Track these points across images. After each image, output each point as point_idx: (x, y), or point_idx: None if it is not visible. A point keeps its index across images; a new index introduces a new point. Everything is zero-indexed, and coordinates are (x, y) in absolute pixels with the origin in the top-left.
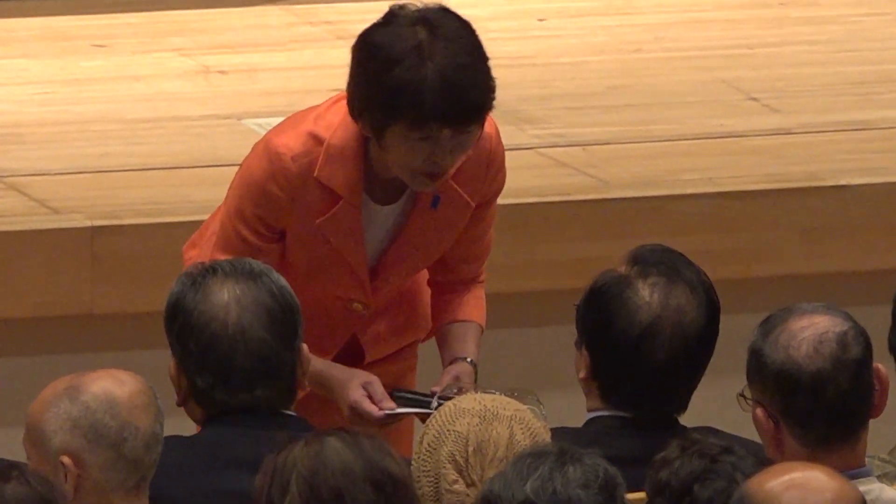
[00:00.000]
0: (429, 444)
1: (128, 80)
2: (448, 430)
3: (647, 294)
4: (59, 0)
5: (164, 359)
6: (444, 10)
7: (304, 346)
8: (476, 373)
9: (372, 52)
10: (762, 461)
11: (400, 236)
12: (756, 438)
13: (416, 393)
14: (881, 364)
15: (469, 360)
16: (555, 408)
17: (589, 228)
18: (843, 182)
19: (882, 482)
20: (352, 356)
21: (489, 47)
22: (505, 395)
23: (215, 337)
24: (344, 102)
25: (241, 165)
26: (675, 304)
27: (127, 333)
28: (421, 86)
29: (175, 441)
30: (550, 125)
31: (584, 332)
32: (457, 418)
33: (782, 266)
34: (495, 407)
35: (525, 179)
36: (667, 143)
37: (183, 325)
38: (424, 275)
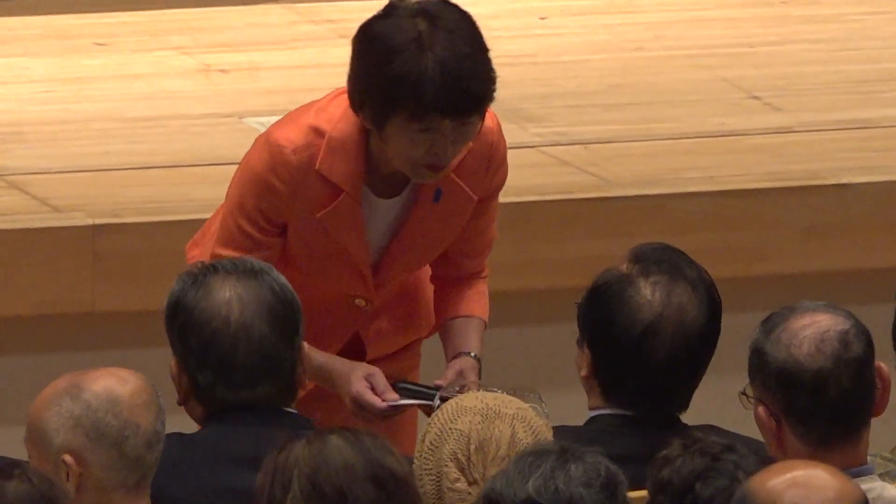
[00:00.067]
0: (431, 443)
1: (129, 79)
2: (450, 429)
3: (649, 293)
4: None
5: (165, 357)
6: (444, 2)
7: (305, 345)
8: (480, 367)
9: (372, 43)
10: (764, 459)
11: (402, 230)
12: (758, 437)
13: (418, 385)
14: (883, 362)
15: (473, 354)
16: (556, 406)
17: (590, 227)
18: (844, 181)
19: (884, 480)
20: (354, 354)
21: (491, 46)
22: (507, 393)
23: (217, 334)
24: (345, 96)
25: (242, 160)
26: (677, 303)
27: (128, 332)
28: (421, 77)
29: (176, 439)
30: (552, 124)
31: (586, 331)
32: (459, 417)
33: (784, 264)
34: (497, 405)
35: (526, 178)
36: (668, 141)
37: (184, 323)
38: (427, 271)
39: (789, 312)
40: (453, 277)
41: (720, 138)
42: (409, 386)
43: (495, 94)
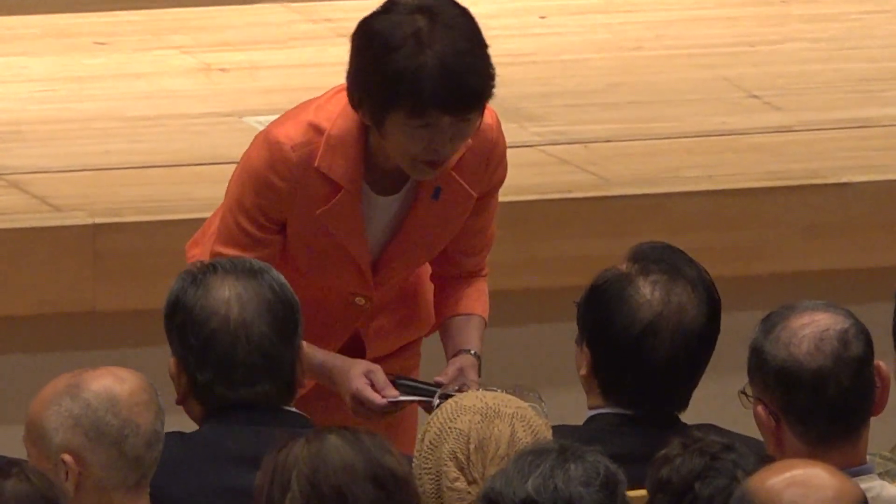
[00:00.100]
0: (430, 442)
1: (129, 78)
2: (449, 428)
3: (649, 292)
4: None
5: (165, 356)
6: None
7: (304, 343)
8: (480, 365)
9: (371, 39)
10: (763, 458)
11: (401, 228)
12: (757, 436)
13: (418, 382)
14: (882, 361)
15: (473, 352)
16: (556, 405)
17: (590, 226)
18: (844, 180)
19: (883, 480)
20: (354, 352)
21: (490, 45)
22: (506, 392)
23: (217, 332)
24: (345, 93)
25: (241, 157)
26: (677, 302)
27: (128, 330)
28: (420, 73)
29: (175, 438)
30: (551, 123)
31: (585, 330)
32: (458, 416)
33: (783, 263)
34: (496, 404)
35: (526, 177)
36: (668, 140)
37: (184, 321)
38: (427, 270)
39: (789, 311)
40: (453, 276)
41: (720, 137)
42: (408, 382)
43: (494, 92)
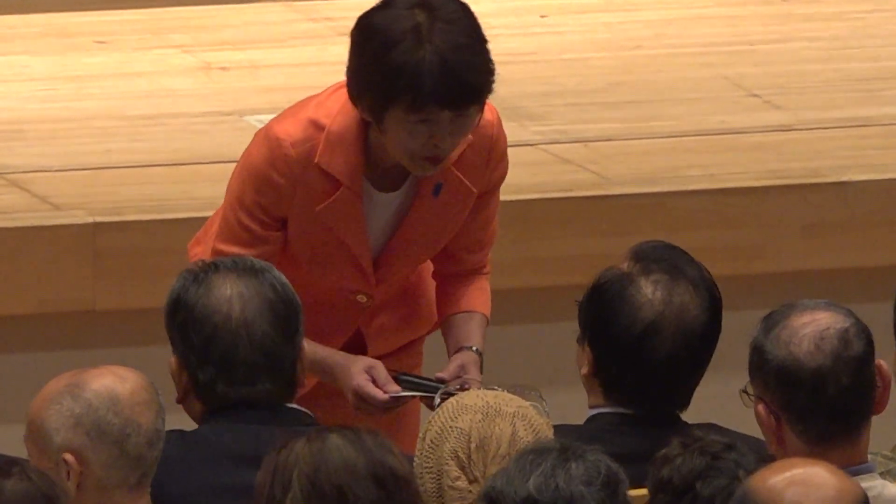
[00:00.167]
0: (431, 441)
1: (129, 77)
2: (450, 427)
3: (650, 291)
4: None
5: (165, 355)
6: None
7: (305, 340)
8: (482, 362)
9: (370, 34)
10: (764, 458)
11: (402, 224)
12: (758, 435)
13: (420, 378)
14: (883, 360)
15: (474, 349)
16: (557, 404)
17: (590, 225)
18: (844, 179)
19: (884, 479)
20: (355, 351)
21: (491, 44)
22: (507, 391)
23: (218, 329)
24: (344, 90)
25: (241, 154)
26: (678, 302)
27: (129, 330)
28: (419, 68)
29: (176, 436)
30: (552, 122)
31: (587, 329)
32: (459, 415)
33: (784, 263)
34: (498, 403)
35: (526, 176)
36: (668, 139)
37: (185, 319)
38: (429, 268)
39: (789, 310)
40: (455, 273)
41: (720, 136)
42: (410, 378)
43: (495, 89)
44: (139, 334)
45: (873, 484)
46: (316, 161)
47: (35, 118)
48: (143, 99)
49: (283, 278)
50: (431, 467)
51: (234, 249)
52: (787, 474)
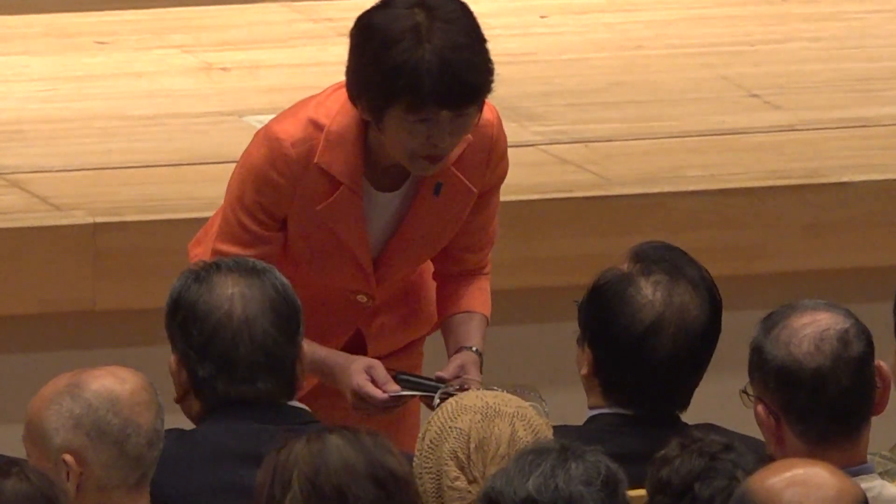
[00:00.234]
0: (430, 441)
1: (130, 77)
2: (450, 427)
3: (650, 292)
4: None
5: (165, 356)
6: None
7: (305, 342)
8: (481, 362)
9: (369, 34)
10: (763, 458)
11: (402, 224)
12: (758, 435)
13: (420, 377)
14: (883, 361)
15: (474, 349)
16: (556, 405)
17: (591, 225)
18: (844, 179)
19: (883, 479)
20: (356, 351)
21: (491, 44)
22: (507, 391)
23: (220, 327)
24: (344, 90)
25: (241, 154)
26: (678, 302)
27: (129, 330)
28: (418, 67)
29: (175, 435)
30: (552, 122)
31: (587, 330)
32: (458, 415)
33: (784, 263)
34: (497, 404)
35: (527, 176)
36: (668, 139)
37: (186, 317)
38: (429, 268)
39: (789, 311)
40: (456, 273)
41: (720, 136)
42: (410, 378)
43: (495, 89)
44: (139, 335)
45: (873, 484)
46: (316, 161)
47: (35, 118)
48: (144, 99)
49: (284, 279)
50: (431, 467)
51: (234, 249)
52: (787, 475)
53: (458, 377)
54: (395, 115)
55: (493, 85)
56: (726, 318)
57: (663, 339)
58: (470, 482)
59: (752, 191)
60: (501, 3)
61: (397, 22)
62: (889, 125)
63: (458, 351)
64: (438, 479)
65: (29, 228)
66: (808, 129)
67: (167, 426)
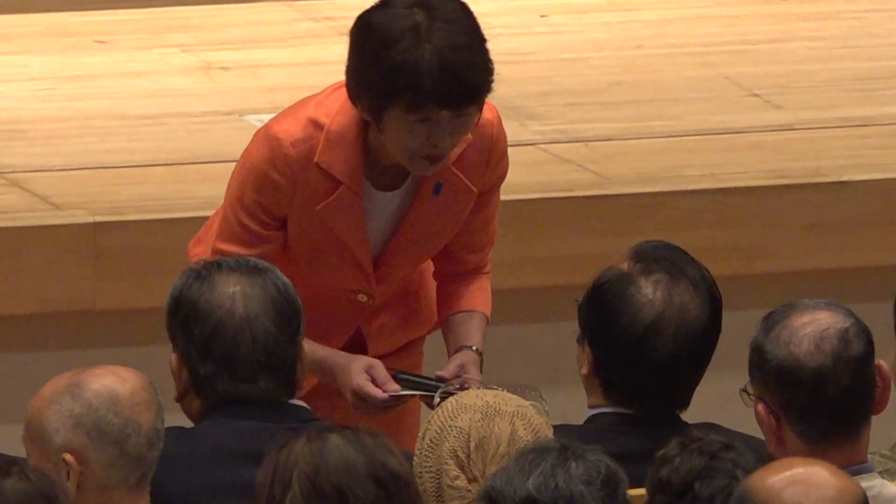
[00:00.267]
0: (430, 440)
1: (129, 77)
2: (450, 426)
3: (650, 291)
4: None
5: (165, 355)
6: None
7: (305, 342)
8: (482, 361)
9: (369, 33)
10: (762, 457)
11: (402, 224)
12: (758, 434)
13: (420, 377)
14: (883, 361)
15: (474, 348)
16: (557, 404)
17: (590, 224)
18: (844, 178)
19: (883, 478)
20: (356, 350)
21: (491, 43)
22: (507, 391)
23: (221, 325)
24: (344, 89)
25: (241, 154)
26: (679, 302)
27: (129, 329)
28: (418, 67)
29: (176, 433)
30: (552, 121)
31: (587, 329)
32: (458, 414)
33: (784, 262)
34: (497, 403)
35: (527, 175)
36: (668, 139)
37: (187, 315)
38: (430, 268)
39: (789, 310)
40: (456, 273)
41: (720, 136)
42: (410, 377)
43: (494, 89)
44: (139, 334)
45: (873, 483)
46: (315, 160)
47: (35, 118)
48: (144, 98)
49: (286, 279)
50: (430, 466)
51: (234, 249)
52: (787, 474)
53: (458, 377)
54: (395, 115)
55: (494, 84)
56: (726, 317)
57: (663, 338)
58: (470, 481)
59: (753, 190)
60: (502, 2)
61: (397, 22)
62: (889, 124)
63: (458, 350)
64: (438, 478)
65: (29, 228)
66: (808, 129)
67: (167, 425)
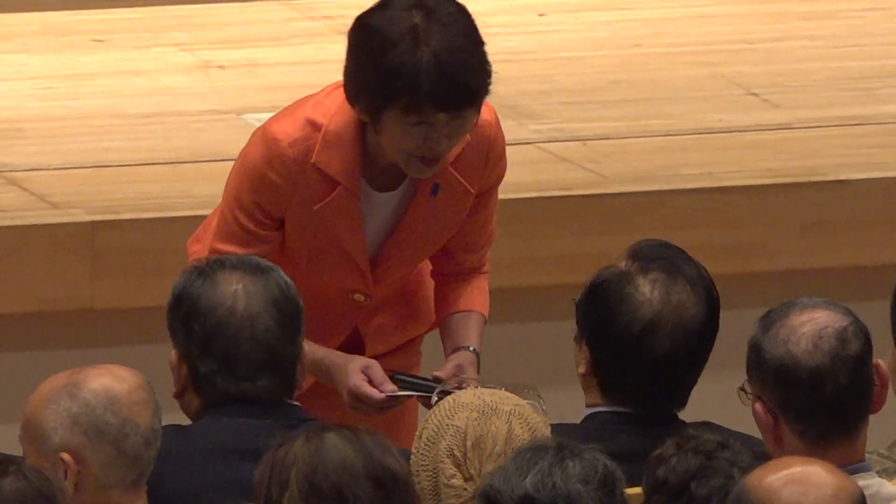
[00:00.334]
0: (427, 439)
1: (128, 75)
2: (447, 425)
3: (648, 290)
4: None
5: (164, 354)
6: None
7: (304, 346)
8: (479, 362)
9: (367, 35)
10: (759, 456)
11: (400, 224)
12: (756, 433)
13: (417, 377)
14: (881, 360)
15: (472, 348)
16: (554, 403)
17: (588, 223)
18: (843, 177)
19: (881, 477)
20: (353, 350)
21: (489, 42)
22: (505, 389)
23: (222, 322)
24: (342, 90)
25: (239, 154)
26: (676, 301)
27: (127, 328)
28: (416, 69)
29: (174, 430)
30: (550, 120)
31: (585, 328)
32: (455, 413)
33: (782, 261)
34: (494, 402)
35: (525, 174)
36: (666, 137)
37: (188, 312)
38: (427, 267)
39: (788, 309)
40: (454, 273)
41: (719, 135)
42: (407, 378)
43: (492, 89)
44: (137, 333)
45: (870, 482)
46: (313, 161)
47: (33, 116)
48: (142, 97)
49: (288, 279)
50: (427, 465)
51: (232, 248)
52: (785, 473)
53: (455, 376)
54: (392, 117)
55: (491, 86)
56: (724, 316)
57: (661, 337)
58: (466, 480)
59: (751, 189)
60: (500, 1)
61: (395, 23)
62: (887, 123)
63: (455, 351)
64: (435, 477)
65: (27, 227)
66: (806, 128)
67: (164, 422)
